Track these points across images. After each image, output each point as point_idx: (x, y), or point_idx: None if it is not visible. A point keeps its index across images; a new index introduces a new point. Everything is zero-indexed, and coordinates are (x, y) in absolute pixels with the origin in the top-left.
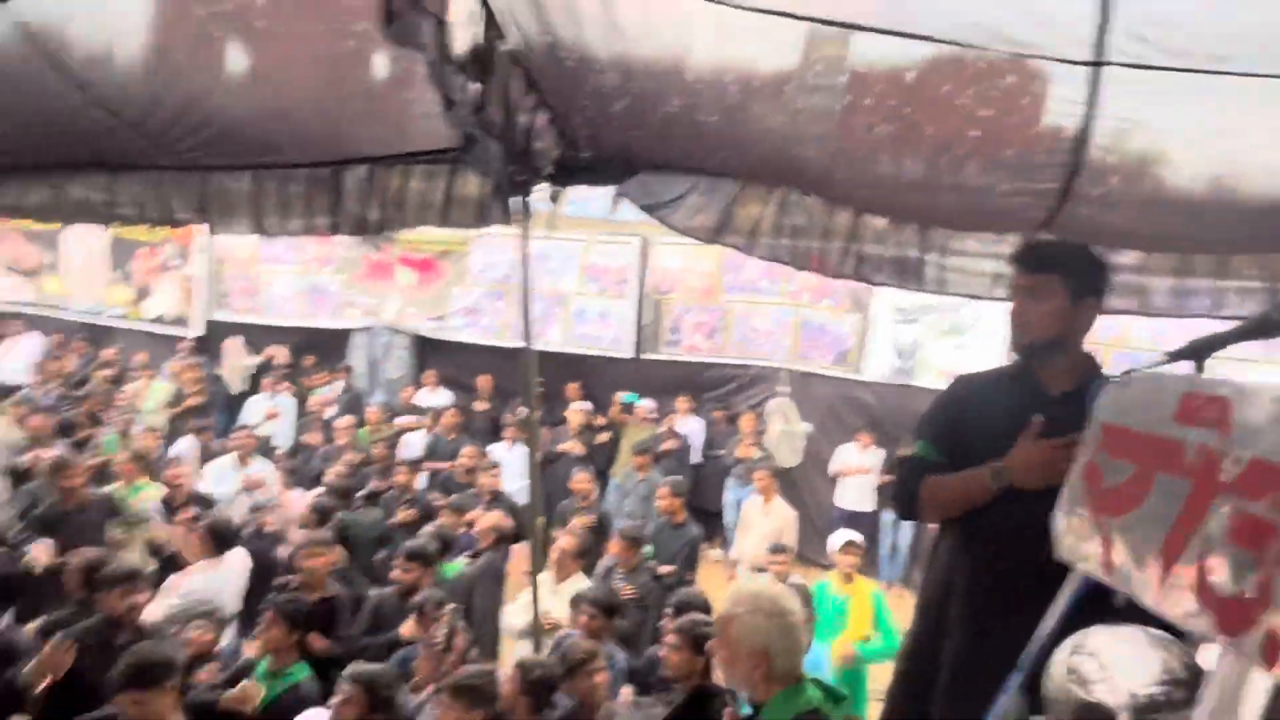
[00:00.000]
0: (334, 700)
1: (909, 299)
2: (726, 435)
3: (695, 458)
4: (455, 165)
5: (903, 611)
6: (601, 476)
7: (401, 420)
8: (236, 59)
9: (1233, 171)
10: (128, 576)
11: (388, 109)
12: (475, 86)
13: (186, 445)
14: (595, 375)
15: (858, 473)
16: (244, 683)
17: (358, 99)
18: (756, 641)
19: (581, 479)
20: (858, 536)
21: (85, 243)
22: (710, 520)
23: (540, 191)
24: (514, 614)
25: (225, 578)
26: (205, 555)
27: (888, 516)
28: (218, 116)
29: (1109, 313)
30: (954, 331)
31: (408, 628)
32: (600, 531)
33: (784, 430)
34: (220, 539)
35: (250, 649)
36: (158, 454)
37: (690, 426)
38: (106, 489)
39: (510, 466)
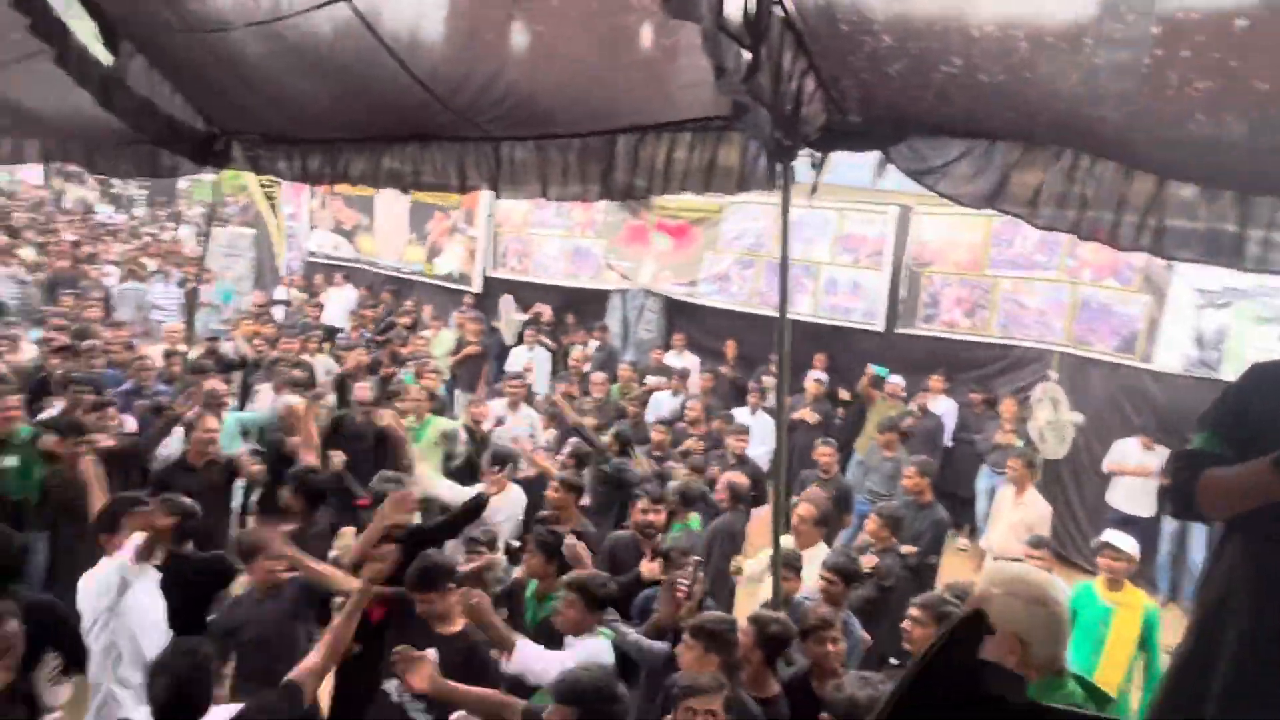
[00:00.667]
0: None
1: (1215, 280)
2: (983, 419)
3: (947, 440)
4: (720, 133)
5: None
6: (843, 450)
7: (652, 380)
8: (528, 37)
9: None
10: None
11: (657, 80)
12: (747, 54)
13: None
14: (843, 347)
15: (1136, 473)
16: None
17: (631, 71)
18: (1012, 626)
19: (824, 451)
20: (1125, 541)
21: (391, 207)
22: (958, 506)
23: (804, 158)
24: (752, 571)
25: (502, 502)
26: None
27: (1169, 525)
28: (513, 91)
29: None
30: (1275, 319)
31: (647, 568)
32: (840, 504)
33: (1051, 419)
34: (503, 465)
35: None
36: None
37: (943, 407)
38: (405, 420)
39: (753, 432)
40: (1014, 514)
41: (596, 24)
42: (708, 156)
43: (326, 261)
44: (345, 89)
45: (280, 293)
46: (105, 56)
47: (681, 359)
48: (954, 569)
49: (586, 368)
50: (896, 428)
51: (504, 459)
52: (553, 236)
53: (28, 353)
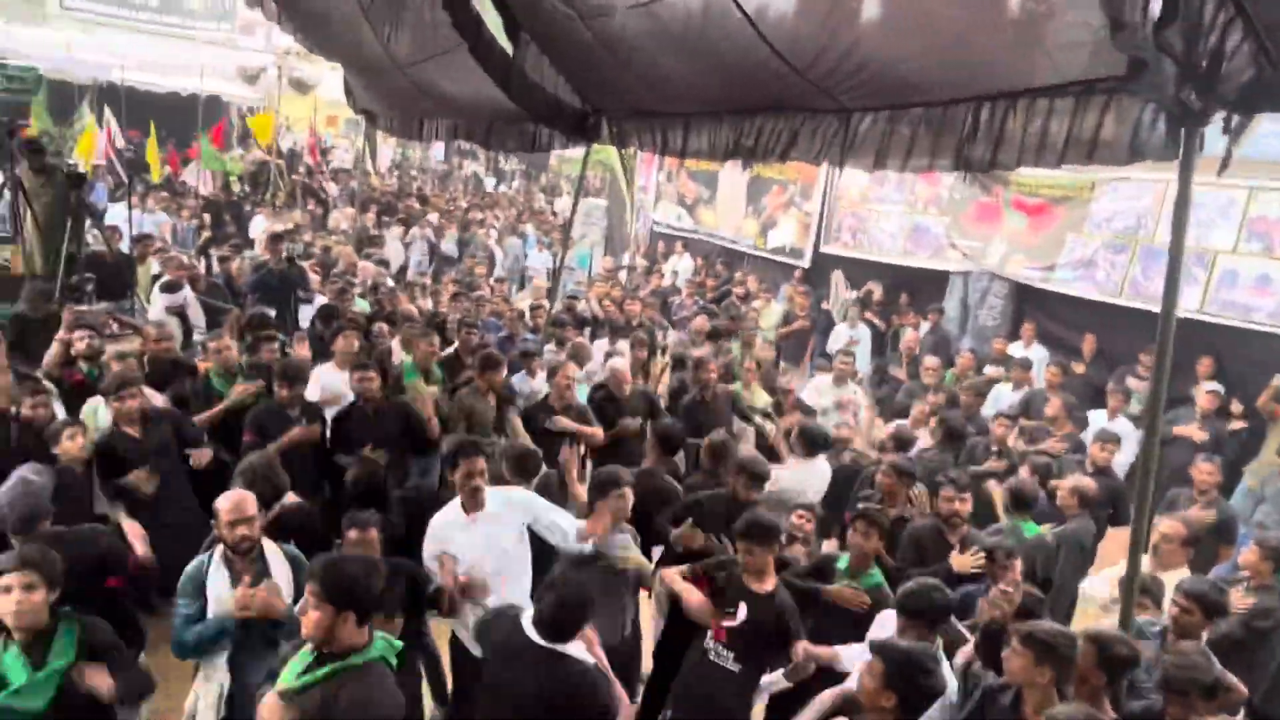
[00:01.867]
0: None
1: None
2: None
3: None
4: (1107, 97)
5: None
6: (1231, 472)
7: (990, 370)
8: (890, 3)
9: None
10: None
11: (1031, 41)
12: (1154, 4)
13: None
14: (1240, 352)
15: None
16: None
17: (1001, 33)
18: None
19: (1205, 468)
20: None
21: (732, 181)
22: None
23: (1216, 124)
24: (1097, 586)
25: (810, 477)
26: (799, 454)
27: None
28: (871, 59)
29: None
30: None
31: (959, 561)
32: (1221, 531)
33: None
34: (812, 443)
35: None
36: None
37: None
38: (732, 387)
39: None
40: None
41: None
42: (1092, 124)
43: (669, 232)
44: (708, 63)
45: (627, 259)
46: (508, 46)
47: (1029, 350)
48: None
49: (918, 351)
50: None
51: (814, 437)
52: (892, 212)
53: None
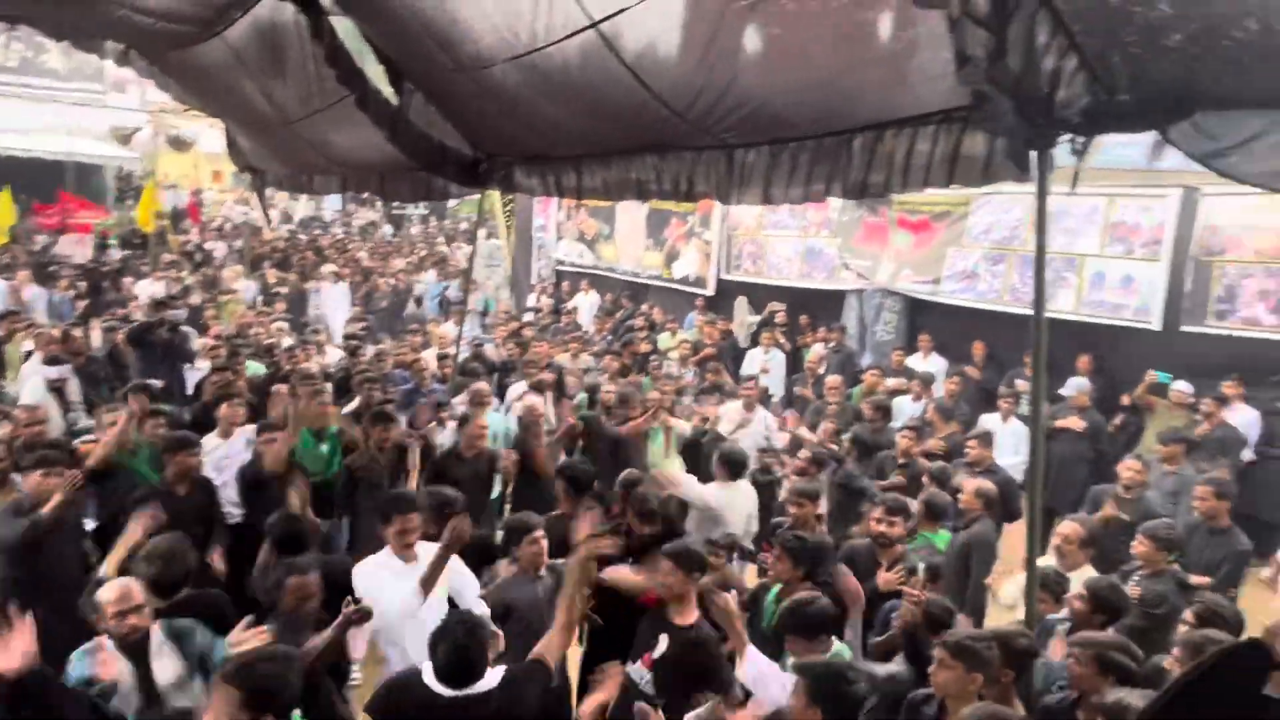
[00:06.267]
0: None
1: None
2: None
3: (1247, 454)
4: (964, 123)
5: None
6: (1111, 463)
7: (893, 383)
8: (764, 44)
9: None
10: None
11: (897, 75)
12: (991, 39)
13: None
14: (1113, 349)
15: None
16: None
17: (870, 68)
18: None
19: (1130, 464)
20: None
21: (630, 215)
22: (1262, 532)
23: (1064, 143)
24: (1006, 590)
25: (735, 497)
26: (720, 479)
27: None
28: (748, 98)
29: None
30: None
31: (884, 578)
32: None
33: None
34: (733, 466)
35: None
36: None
37: (1241, 417)
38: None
39: (1003, 441)
40: None
41: (833, 23)
42: (951, 148)
43: (573, 269)
44: (591, 109)
45: (531, 300)
46: (392, 96)
47: (927, 362)
48: (1256, 604)
49: (822, 370)
50: (1184, 440)
51: (734, 460)
52: (786, 237)
53: (332, 355)
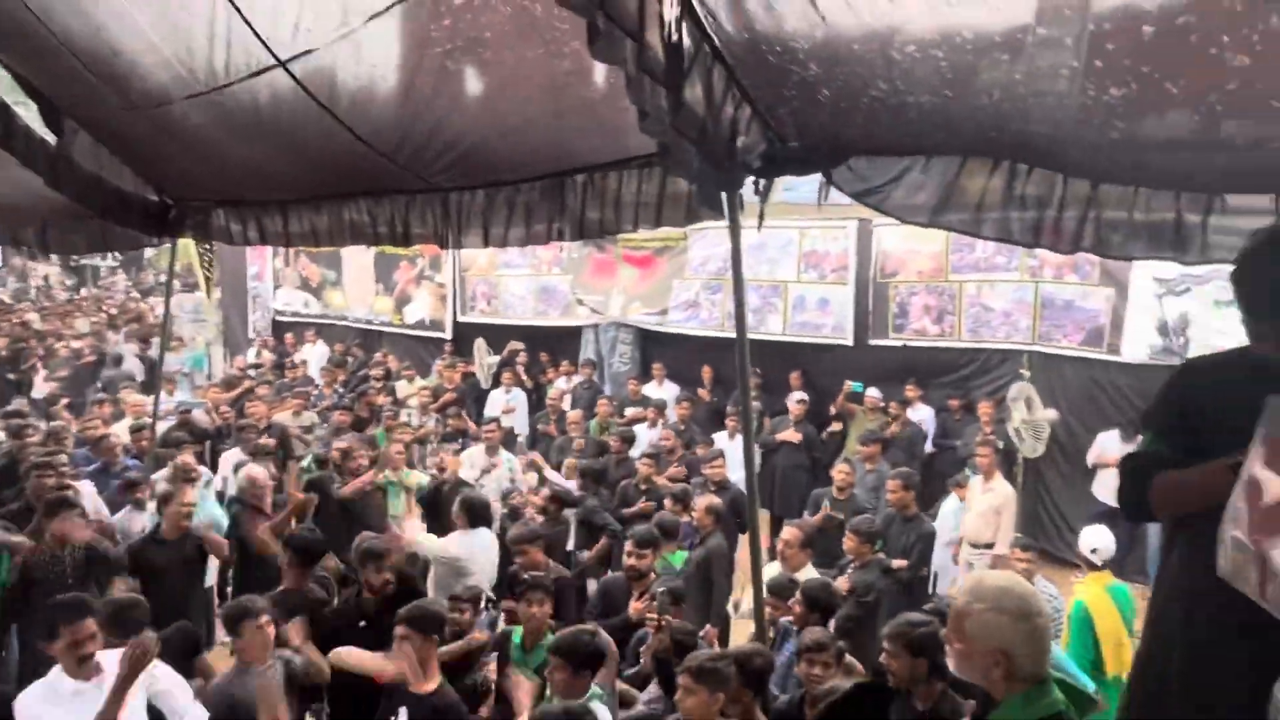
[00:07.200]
0: None
1: (1172, 268)
2: (963, 424)
3: (928, 447)
4: (662, 169)
5: None
6: (828, 468)
7: (630, 412)
8: (470, 89)
9: None
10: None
11: (604, 120)
12: (667, 94)
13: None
14: (817, 364)
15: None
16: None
17: (578, 113)
18: (996, 641)
19: (841, 469)
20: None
21: (357, 260)
22: None
23: (750, 184)
24: (746, 601)
25: (475, 546)
26: (461, 528)
27: None
28: (457, 143)
29: None
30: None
31: (635, 608)
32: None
33: (1027, 418)
34: (473, 514)
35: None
36: (418, 445)
37: (921, 414)
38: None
39: (733, 456)
40: (983, 500)
41: (536, 73)
42: (655, 191)
43: (297, 320)
44: (289, 150)
45: (251, 355)
46: (50, 136)
47: (662, 389)
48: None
49: (565, 405)
50: (878, 439)
51: (474, 508)
52: (519, 276)
53: None
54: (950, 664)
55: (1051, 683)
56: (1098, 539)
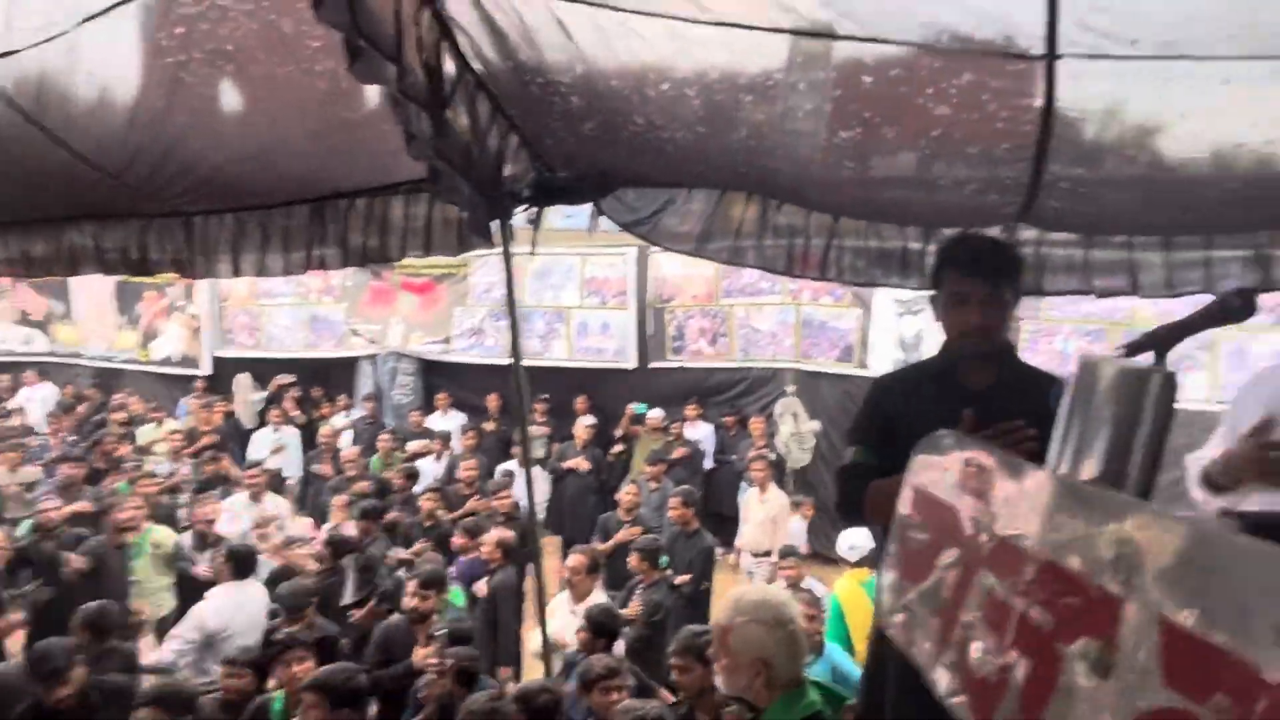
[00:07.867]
0: None
1: (909, 290)
2: (738, 439)
3: (708, 463)
4: (431, 195)
5: None
6: (614, 490)
7: (413, 445)
8: (211, 105)
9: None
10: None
11: (370, 142)
12: (430, 119)
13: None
14: (602, 388)
15: None
16: None
17: (338, 134)
18: (756, 651)
19: (628, 490)
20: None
21: (92, 290)
22: (726, 525)
23: (521, 212)
24: (536, 636)
25: (243, 601)
26: (227, 579)
27: None
28: (199, 163)
29: (1104, 295)
30: None
31: (419, 654)
32: (642, 550)
33: (794, 431)
34: (240, 565)
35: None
36: (169, 496)
37: (700, 432)
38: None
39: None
40: (760, 511)
41: (289, 91)
42: (423, 216)
43: (15, 359)
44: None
45: None
46: None
47: (446, 419)
48: (723, 586)
49: (340, 443)
50: (663, 459)
51: (240, 558)
52: (285, 305)
53: None
54: (719, 681)
55: (809, 685)
56: (855, 538)
